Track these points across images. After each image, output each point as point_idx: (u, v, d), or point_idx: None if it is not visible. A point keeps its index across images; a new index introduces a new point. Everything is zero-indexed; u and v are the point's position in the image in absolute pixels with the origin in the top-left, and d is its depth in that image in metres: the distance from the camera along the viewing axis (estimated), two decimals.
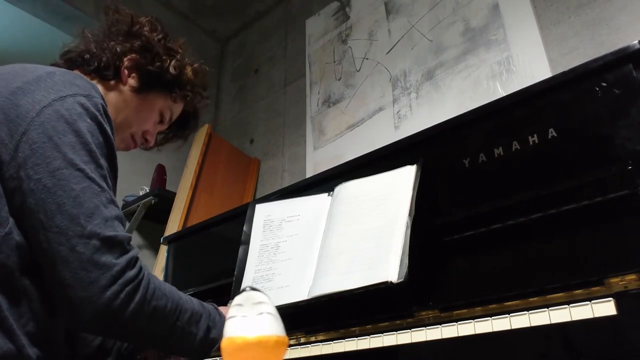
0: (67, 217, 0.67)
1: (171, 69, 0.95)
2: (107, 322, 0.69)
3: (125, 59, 0.93)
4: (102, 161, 0.74)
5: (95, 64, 0.91)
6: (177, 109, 1.03)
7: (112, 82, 0.93)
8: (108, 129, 0.77)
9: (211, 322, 0.82)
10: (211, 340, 0.81)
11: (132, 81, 0.94)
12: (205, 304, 0.84)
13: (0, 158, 0.69)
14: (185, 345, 0.78)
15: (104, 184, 0.73)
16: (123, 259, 0.69)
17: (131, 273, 0.69)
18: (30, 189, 0.68)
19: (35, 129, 0.70)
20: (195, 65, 1.02)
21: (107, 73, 0.92)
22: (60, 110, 0.72)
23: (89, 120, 0.74)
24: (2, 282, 0.68)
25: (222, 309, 0.88)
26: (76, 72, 0.85)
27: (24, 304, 0.69)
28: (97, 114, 0.76)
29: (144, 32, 0.94)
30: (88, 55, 0.92)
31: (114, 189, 0.79)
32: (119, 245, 0.70)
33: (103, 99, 0.79)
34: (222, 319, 0.84)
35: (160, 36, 0.96)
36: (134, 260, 0.71)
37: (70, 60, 0.93)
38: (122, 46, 0.92)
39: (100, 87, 0.90)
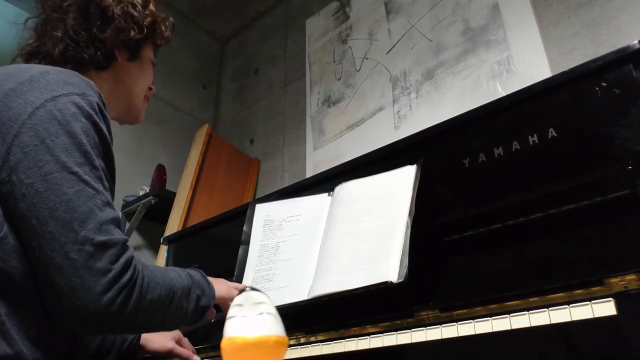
0: (59, 223, 0.65)
1: (146, 24, 0.95)
2: (105, 326, 0.69)
3: (110, 43, 0.90)
4: (98, 162, 0.72)
5: (87, 57, 0.88)
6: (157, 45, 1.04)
7: (109, 67, 0.92)
8: (104, 127, 0.76)
9: (200, 290, 0.82)
10: (202, 307, 0.82)
11: (124, 55, 0.94)
12: (191, 272, 0.84)
13: None
14: (178, 318, 0.79)
15: (99, 186, 0.71)
16: (118, 264, 0.68)
17: (126, 277, 0.68)
18: (22, 193, 0.66)
19: (27, 132, 0.68)
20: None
21: (101, 63, 0.90)
22: (52, 111, 0.70)
23: (83, 119, 0.72)
24: (0, 287, 0.67)
25: (212, 279, 0.89)
26: (71, 70, 0.83)
27: (25, 309, 0.68)
28: (92, 112, 0.74)
29: (111, 6, 0.90)
30: (70, 49, 0.88)
31: (111, 188, 0.77)
32: (113, 250, 0.68)
33: (100, 97, 0.78)
34: (210, 286, 0.85)
35: (123, 3, 0.93)
36: (129, 262, 0.70)
37: (43, 57, 0.89)
38: (102, 32, 0.89)
39: (99, 78, 0.89)
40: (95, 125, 0.74)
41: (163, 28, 1.00)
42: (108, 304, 0.66)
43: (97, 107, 0.76)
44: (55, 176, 0.67)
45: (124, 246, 0.70)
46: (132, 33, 0.92)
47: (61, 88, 0.73)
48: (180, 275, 0.81)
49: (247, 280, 1.13)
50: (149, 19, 0.96)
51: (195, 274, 0.85)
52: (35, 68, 0.78)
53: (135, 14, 0.93)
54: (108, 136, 0.77)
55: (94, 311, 0.65)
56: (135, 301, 0.69)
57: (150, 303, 0.72)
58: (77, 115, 0.72)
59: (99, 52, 0.89)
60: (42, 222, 0.66)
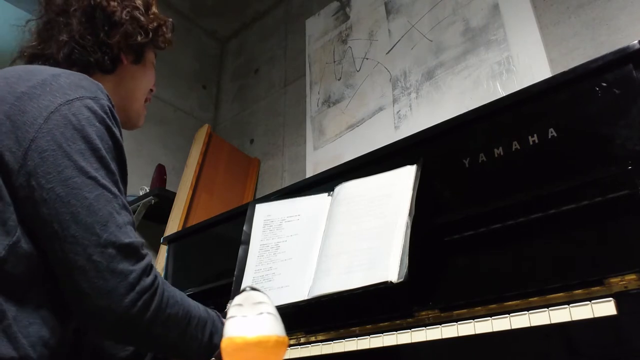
0: (82, 227, 0.67)
1: (151, 27, 0.95)
2: (125, 329, 0.70)
3: (117, 47, 0.91)
4: (113, 166, 0.74)
5: (93, 61, 0.89)
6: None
7: (114, 71, 0.93)
8: (116, 131, 0.77)
9: (214, 328, 0.83)
10: (213, 345, 0.82)
11: (129, 58, 0.94)
12: (209, 310, 0.86)
13: (8, 166, 0.69)
14: (191, 349, 0.80)
15: (115, 190, 0.73)
16: (139, 266, 0.69)
17: (148, 280, 0.70)
18: (43, 198, 0.67)
19: (44, 137, 0.69)
20: (151, 1, 1.00)
21: (107, 67, 0.91)
22: (67, 116, 0.71)
23: (97, 124, 0.74)
24: (10, 290, 0.67)
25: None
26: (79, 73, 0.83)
27: (33, 312, 0.69)
28: (105, 116, 0.75)
29: (117, 11, 0.91)
30: (76, 53, 0.88)
31: (125, 191, 0.79)
32: (134, 252, 0.70)
33: (109, 100, 0.79)
34: (223, 326, 0.85)
35: (128, 7, 0.93)
36: (150, 268, 0.72)
37: (49, 60, 0.89)
38: (110, 37, 0.90)
39: (103, 81, 0.88)
40: (108, 129, 0.75)
41: (165, 30, 1.00)
42: (130, 305, 0.67)
43: (108, 111, 0.77)
44: (75, 181, 0.69)
45: (143, 249, 0.72)
46: (139, 37, 0.93)
47: (74, 92, 0.74)
48: (198, 306, 0.82)
49: (247, 280, 1.13)
50: (154, 22, 0.96)
51: (212, 312, 0.86)
52: (46, 71, 0.78)
53: (142, 18, 0.93)
54: (120, 139, 0.78)
55: (116, 312, 0.66)
56: (154, 310, 0.70)
57: (168, 318, 0.73)
58: (91, 120, 0.73)
59: (106, 57, 0.90)
60: (64, 226, 0.67)
